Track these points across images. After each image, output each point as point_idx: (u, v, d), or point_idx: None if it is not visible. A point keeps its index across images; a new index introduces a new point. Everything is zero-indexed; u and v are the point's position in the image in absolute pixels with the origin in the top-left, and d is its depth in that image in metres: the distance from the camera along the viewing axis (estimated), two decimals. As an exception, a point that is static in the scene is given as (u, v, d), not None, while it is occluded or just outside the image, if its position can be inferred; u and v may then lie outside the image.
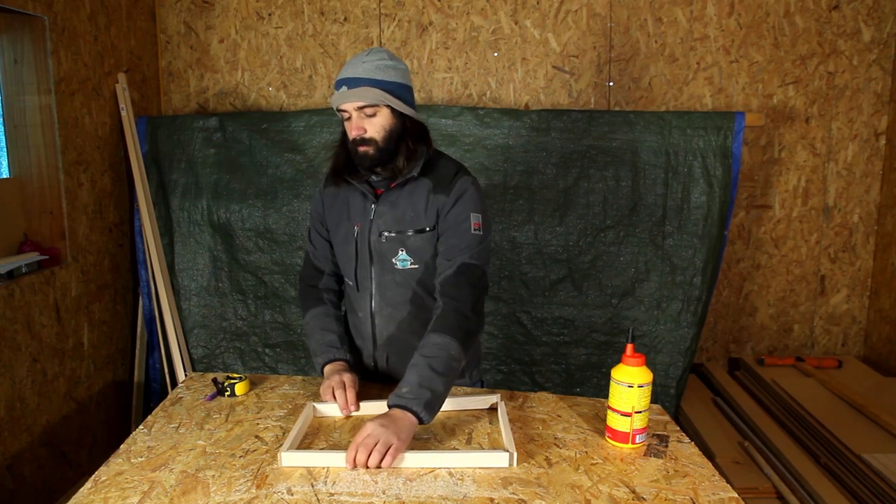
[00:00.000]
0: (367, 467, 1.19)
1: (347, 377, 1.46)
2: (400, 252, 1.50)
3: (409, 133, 1.47)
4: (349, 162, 1.50)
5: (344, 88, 1.40)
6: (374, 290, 1.55)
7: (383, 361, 1.61)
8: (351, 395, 1.42)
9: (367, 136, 1.42)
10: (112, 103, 2.62)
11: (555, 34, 2.91)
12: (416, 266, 1.51)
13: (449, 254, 1.46)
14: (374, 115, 1.41)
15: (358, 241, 1.53)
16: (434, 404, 1.29)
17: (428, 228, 1.49)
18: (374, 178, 1.50)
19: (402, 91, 1.44)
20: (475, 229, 1.47)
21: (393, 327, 1.56)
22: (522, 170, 2.66)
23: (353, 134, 1.42)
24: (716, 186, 2.57)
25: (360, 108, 1.40)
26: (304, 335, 1.59)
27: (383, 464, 1.19)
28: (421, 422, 1.27)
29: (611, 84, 2.93)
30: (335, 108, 1.45)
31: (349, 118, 1.43)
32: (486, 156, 2.67)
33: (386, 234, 1.50)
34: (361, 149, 1.43)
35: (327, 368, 1.52)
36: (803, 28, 2.87)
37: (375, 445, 1.18)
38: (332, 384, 1.44)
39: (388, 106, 1.41)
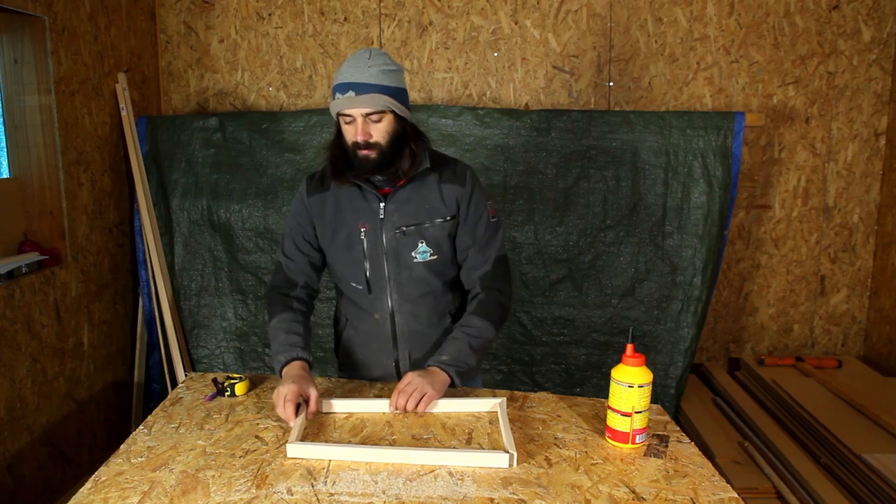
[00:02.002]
0: (406, 410, 1.40)
1: (293, 388, 1.36)
2: (419, 245, 1.52)
3: (410, 136, 1.49)
4: (346, 161, 1.49)
5: (351, 93, 1.39)
6: (391, 289, 1.55)
7: (406, 359, 1.61)
8: (290, 409, 1.34)
9: (373, 140, 1.42)
10: (112, 103, 2.62)
11: (555, 34, 2.91)
12: (436, 256, 1.54)
13: (480, 247, 1.55)
14: (379, 121, 1.42)
15: (367, 242, 1.53)
16: (466, 375, 1.48)
17: (449, 217, 1.53)
18: (378, 177, 1.50)
19: (403, 96, 1.46)
20: (492, 217, 1.57)
21: (414, 323, 1.58)
22: (522, 170, 2.66)
23: (358, 138, 1.42)
24: (716, 186, 2.57)
25: (368, 114, 1.40)
26: (269, 339, 1.57)
27: (418, 409, 1.39)
28: (453, 384, 1.45)
29: (611, 84, 2.93)
30: (337, 113, 1.44)
31: (351, 122, 1.42)
32: (486, 156, 2.67)
33: (404, 228, 1.51)
34: (363, 152, 1.43)
35: (285, 370, 1.45)
36: (803, 28, 2.87)
37: (413, 393, 1.38)
38: (282, 395, 1.36)
39: (392, 111, 1.42)
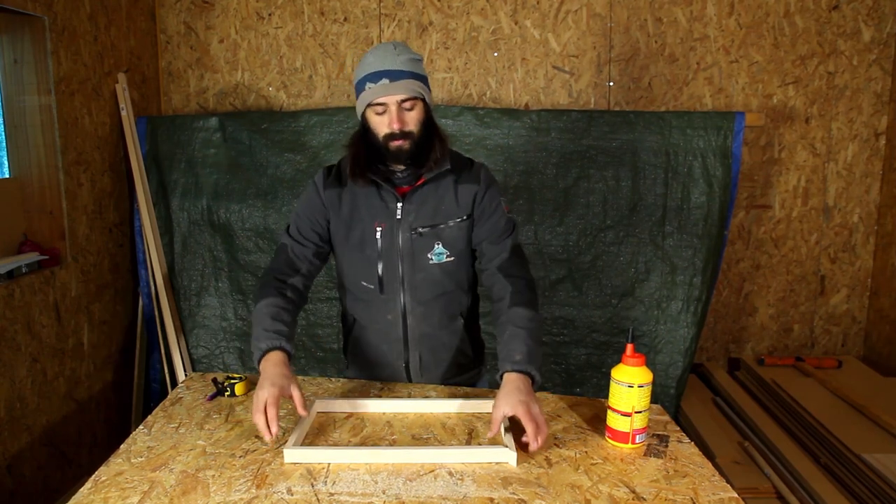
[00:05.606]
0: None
1: (273, 392, 1.26)
2: (436, 246, 1.51)
3: (436, 126, 1.49)
4: (369, 159, 1.46)
5: (385, 81, 1.37)
6: (404, 290, 1.53)
7: (416, 361, 1.60)
8: (273, 414, 1.25)
9: (408, 129, 1.41)
10: (112, 103, 2.63)
11: (555, 34, 2.91)
12: (452, 258, 1.52)
13: (495, 238, 1.52)
14: (412, 109, 1.41)
15: (382, 242, 1.51)
16: (540, 368, 1.37)
17: (465, 217, 1.52)
18: (398, 175, 1.48)
19: (428, 85, 1.47)
20: (507, 212, 1.55)
21: (425, 325, 1.56)
22: (522, 170, 2.66)
23: (393, 127, 1.39)
24: (716, 186, 2.57)
25: (402, 102, 1.39)
26: (252, 321, 1.47)
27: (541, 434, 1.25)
28: (534, 383, 1.34)
29: (611, 84, 2.93)
30: (369, 103, 1.40)
31: (383, 112, 1.40)
32: (486, 156, 2.67)
33: (420, 229, 1.49)
34: (397, 143, 1.41)
35: (265, 361, 1.34)
36: (803, 28, 2.87)
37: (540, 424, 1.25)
38: (262, 400, 1.25)
39: (422, 100, 1.43)
